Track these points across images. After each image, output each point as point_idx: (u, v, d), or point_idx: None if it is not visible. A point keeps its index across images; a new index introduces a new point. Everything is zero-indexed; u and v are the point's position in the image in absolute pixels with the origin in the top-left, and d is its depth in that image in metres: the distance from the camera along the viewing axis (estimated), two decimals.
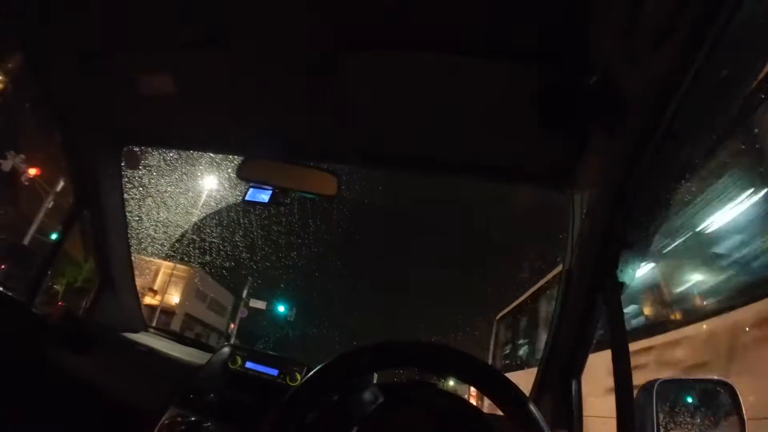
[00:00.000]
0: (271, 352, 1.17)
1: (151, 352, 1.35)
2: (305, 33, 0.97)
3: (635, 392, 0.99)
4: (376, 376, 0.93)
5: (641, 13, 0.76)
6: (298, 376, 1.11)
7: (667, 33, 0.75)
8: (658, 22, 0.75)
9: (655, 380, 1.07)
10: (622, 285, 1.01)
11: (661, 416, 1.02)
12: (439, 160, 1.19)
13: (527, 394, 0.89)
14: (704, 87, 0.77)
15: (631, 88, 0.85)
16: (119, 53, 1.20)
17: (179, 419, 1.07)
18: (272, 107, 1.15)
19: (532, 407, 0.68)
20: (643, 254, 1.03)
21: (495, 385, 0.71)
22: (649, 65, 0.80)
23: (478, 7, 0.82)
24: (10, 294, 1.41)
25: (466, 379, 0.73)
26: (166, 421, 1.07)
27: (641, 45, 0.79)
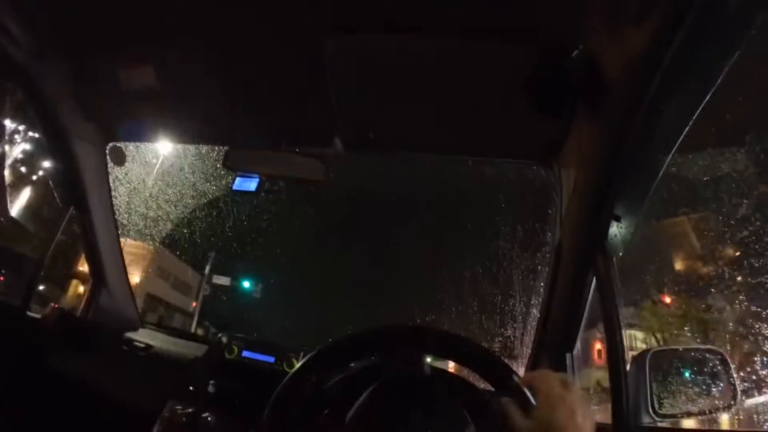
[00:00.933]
0: (267, 340, 1.17)
1: (148, 347, 1.35)
2: (288, 18, 0.96)
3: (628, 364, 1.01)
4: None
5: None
6: (295, 362, 1.12)
7: (649, 9, 0.75)
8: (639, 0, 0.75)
9: (648, 350, 1.10)
10: (612, 257, 1.02)
11: (654, 386, 1.04)
12: (425, 141, 1.19)
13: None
14: (687, 62, 0.78)
15: (616, 64, 0.85)
16: (100, 49, 1.19)
17: (179, 411, 1.08)
18: (256, 95, 1.14)
19: (520, 383, 0.69)
20: (633, 226, 1.04)
21: (485, 364, 0.72)
22: (632, 42, 0.80)
23: None
24: (3, 297, 1.41)
25: (458, 359, 0.74)
26: (166, 414, 1.08)
27: (624, 21, 0.80)
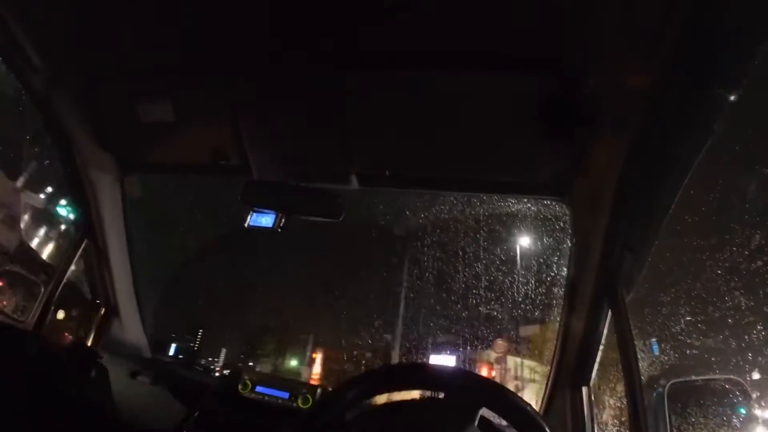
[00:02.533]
0: (281, 376, 1.17)
1: (161, 378, 1.34)
2: (306, 55, 0.98)
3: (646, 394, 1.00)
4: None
5: (632, 27, 0.79)
6: (310, 399, 1.11)
7: (656, 45, 0.78)
8: (648, 35, 0.78)
9: (666, 382, 1.08)
10: (626, 289, 1.02)
11: (673, 417, 1.02)
12: (441, 176, 1.21)
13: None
14: (695, 94, 0.80)
15: (626, 98, 0.87)
16: (119, 82, 1.22)
17: None
18: (274, 130, 1.16)
19: (540, 420, 0.70)
20: (646, 258, 1.04)
21: (503, 401, 0.72)
22: (641, 76, 0.83)
23: (477, 24, 0.85)
24: (17, 326, 1.41)
25: (465, 393, 0.75)
26: None
27: (635, 56, 0.82)
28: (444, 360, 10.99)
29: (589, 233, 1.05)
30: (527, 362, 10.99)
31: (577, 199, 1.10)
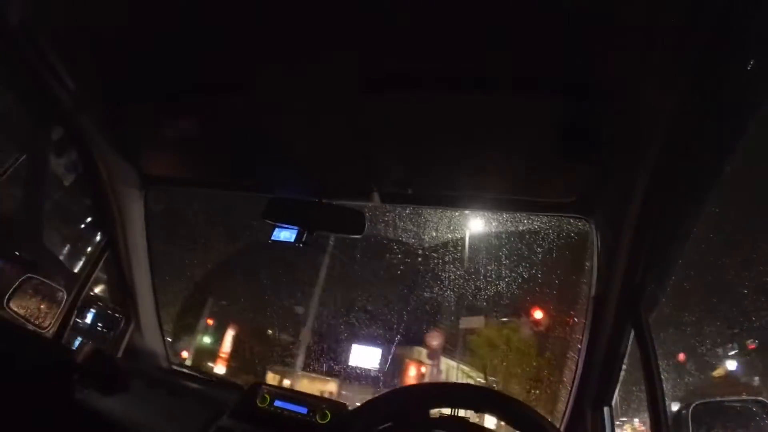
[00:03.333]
0: (300, 391, 1.17)
1: (180, 390, 1.35)
2: (328, 74, 1.00)
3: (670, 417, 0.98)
4: None
5: (654, 50, 0.79)
6: (328, 414, 1.11)
7: (678, 66, 0.78)
8: (669, 57, 0.78)
9: (690, 403, 1.06)
10: (649, 309, 1.01)
11: None
12: (463, 194, 1.21)
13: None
14: (718, 114, 0.80)
15: (649, 119, 0.87)
16: (144, 98, 1.25)
17: None
18: (297, 149, 1.18)
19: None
20: (670, 277, 1.03)
21: (527, 421, 0.72)
22: (664, 97, 0.83)
23: (500, 47, 0.85)
24: (40, 332, 1.44)
25: (499, 416, 0.75)
26: None
27: (656, 78, 0.82)
28: (368, 351, 10.50)
29: (613, 251, 1.04)
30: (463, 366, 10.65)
31: (600, 217, 1.09)
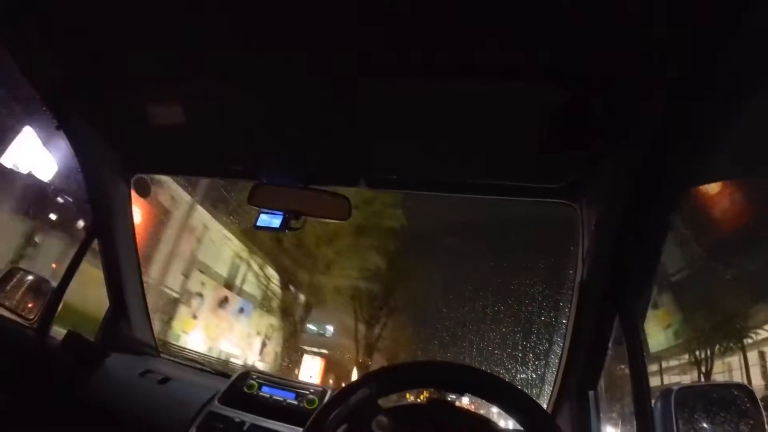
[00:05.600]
0: (287, 378, 1.17)
1: (167, 379, 1.35)
2: (316, 59, 0.99)
3: (653, 400, 0.99)
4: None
5: (647, 38, 0.79)
6: (316, 400, 1.11)
7: (671, 57, 0.78)
8: (658, 51, 0.78)
9: (673, 387, 1.08)
10: (635, 295, 1.02)
11: (681, 423, 1.02)
12: (450, 179, 1.20)
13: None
14: (710, 104, 0.80)
15: (638, 106, 0.87)
16: (129, 83, 1.23)
17: None
18: (283, 133, 1.17)
19: (552, 422, 0.70)
20: (655, 265, 1.04)
21: (514, 402, 0.72)
22: (655, 85, 0.83)
23: (489, 32, 0.84)
24: (25, 324, 1.42)
25: (485, 396, 0.75)
26: None
27: (647, 65, 0.82)
28: None
29: (599, 239, 1.05)
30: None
31: (587, 204, 1.09)
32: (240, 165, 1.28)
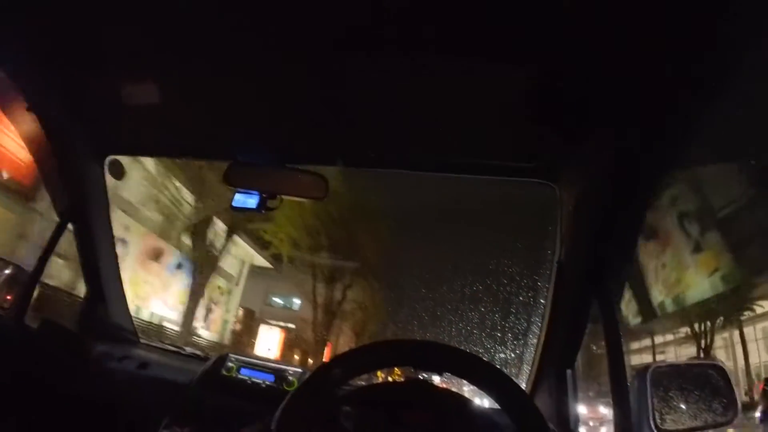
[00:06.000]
0: (266, 360, 1.16)
1: (145, 364, 1.33)
2: (292, 37, 0.96)
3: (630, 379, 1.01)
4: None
5: (624, 14, 0.77)
6: (294, 382, 1.11)
7: (646, 39, 0.77)
8: (637, 32, 0.77)
9: (649, 366, 1.09)
10: (612, 275, 1.03)
11: (655, 401, 1.04)
12: (428, 158, 1.19)
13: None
14: (686, 82, 0.79)
15: (617, 85, 0.87)
16: (101, 63, 1.18)
17: (176, 429, 1.06)
18: (258, 112, 1.14)
19: (529, 400, 0.70)
20: (633, 245, 1.05)
21: (491, 381, 0.72)
22: (634, 64, 0.82)
23: (470, 8, 0.82)
24: None
25: (462, 375, 0.75)
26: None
27: (627, 44, 0.81)
28: None
29: (577, 219, 1.05)
30: None
31: (565, 183, 1.09)
32: (215, 144, 1.25)
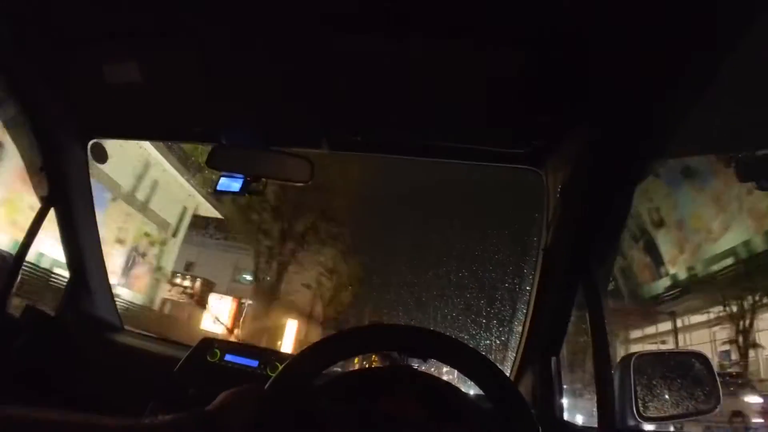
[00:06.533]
0: (251, 344, 1.15)
1: (129, 350, 1.32)
2: (277, 17, 0.94)
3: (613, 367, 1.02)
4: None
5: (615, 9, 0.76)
6: (278, 366, 1.10)
7: (636, 24, 0.76)
8: (626, 12, 0.76)
9: (632, 354, 1.10)
10: (598, 263, 1.03)
11: (638, 389, 1.05)
12: (413, 143, 1.18)
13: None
14: (675, 71, 0.78)
15: (604, 71, 0.86)
16: (83, 44, 1.15)
17: (159, 415, 1.05)
18: (243, 94, 1.12)
19: (513, 387, 0.70)
20: (619, 232, 1.05)
21: (476, 367, 0.72)
22: (622, 51, 0.81)
23: None
24: None
25: (447, 361, 0.74)
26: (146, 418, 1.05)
27: (613, 35, 0.80)
28: None
29: (563, 206, 1.05)
30: None
31: (551, 170, 1.09)
32: (199, 127, 1.23)
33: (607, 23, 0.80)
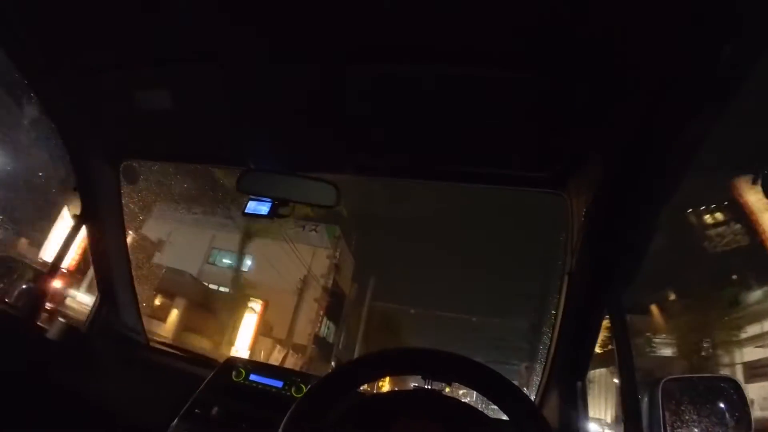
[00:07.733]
0: (275, 365, 1.16)
1: (155, 367, 1.34)
2: (305, 46, 0.97)
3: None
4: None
5: (630, 29, 0.78)
6: (303, 388, 1.11)
7: (655, 48, 0.77)
8: (645, 36, 0.77)
9: (661, 379, 1.08)
10: (623, 286, 1.02)
11: (667, 414, 1.02)
12: (438, 167, 1.20)
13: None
14: (693, 91, 0.79)
15: (626, 96, 0.86)
16: (118, 69, 1.21)
17: None
18: (271, 120, 1.16)
19: (537, 411, 0.70)
20: (643, 255, 1.04)
21: (501, 391, 0.72)
22: (642, 75, 0.82)
23: (478, 18, 0.83)
24: (11, 310, 1.41)
25: (471, 385, 0.74)
26: None
27: (634, 55, 0.81)
28: None
29: (587, 230, 1.05)
30: None
31: (575, 193, 1.09)
32: (228, 151, 1.27)
33: (630, 50, 0.81)
